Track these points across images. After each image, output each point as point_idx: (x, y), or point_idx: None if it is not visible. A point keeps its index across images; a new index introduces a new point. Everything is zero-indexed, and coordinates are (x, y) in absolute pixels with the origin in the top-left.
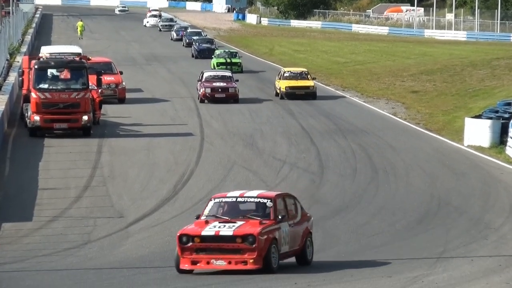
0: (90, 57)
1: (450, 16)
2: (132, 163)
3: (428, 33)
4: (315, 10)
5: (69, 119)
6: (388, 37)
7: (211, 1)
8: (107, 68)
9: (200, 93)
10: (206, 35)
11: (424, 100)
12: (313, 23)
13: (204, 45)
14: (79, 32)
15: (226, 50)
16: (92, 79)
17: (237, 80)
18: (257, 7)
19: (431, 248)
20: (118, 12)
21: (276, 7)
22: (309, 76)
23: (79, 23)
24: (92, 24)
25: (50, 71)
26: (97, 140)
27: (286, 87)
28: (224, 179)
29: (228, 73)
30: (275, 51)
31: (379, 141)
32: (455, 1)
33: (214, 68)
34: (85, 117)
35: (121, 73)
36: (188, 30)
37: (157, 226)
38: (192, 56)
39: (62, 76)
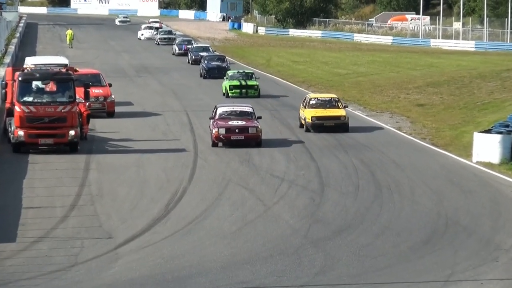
0: (77, 69)
1: (457, 25)
2: (122, 180)
3: (435, 43)
4: (315, 18)
5: (55, 134)
6: (392, 47)
7: (205, 10)
8: (95, 80)
9: (212, 134)
10: (215, 51)
11: (430, 114)
12: (313, 33)
13: (213, 63)
14: (68, 41)
15: (241, 71)
16: (80, 92)
17: (259, 117)
18: (254, 16)
19: (438, 270)
20: (118, 23)
21: (273, 16)
22: (340, 103)
23: (68, 32)
24: (79, 33)
25: (35, 84)
26: (84, 157)
27: (312, 117)
28: (219, 197)
29: (248, 108)
30: (272, 62)
31: (383, 157)
32: (463, 9)
33: (227, 92)
34: (72, 132)
35: (110, 85)
36: (194, 45)
37: (148, 247)
38: (200, 75)
39: (47, 89)
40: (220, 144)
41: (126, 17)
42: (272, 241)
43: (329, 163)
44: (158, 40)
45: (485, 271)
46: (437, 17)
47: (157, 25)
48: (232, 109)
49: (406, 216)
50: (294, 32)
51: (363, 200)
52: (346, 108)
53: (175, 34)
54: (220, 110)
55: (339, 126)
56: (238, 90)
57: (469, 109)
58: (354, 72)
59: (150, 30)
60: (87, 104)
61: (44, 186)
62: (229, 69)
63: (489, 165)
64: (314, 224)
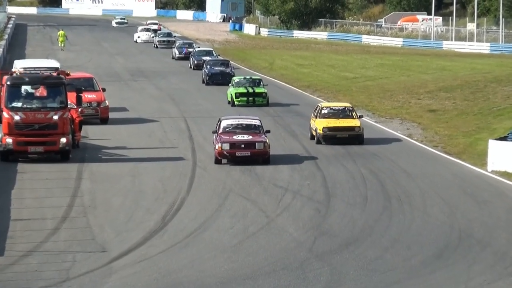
0: (69, 72)
1: (471, 26)
2: (116, 191)
3: (447, 45)
4: (320, 19)
5: (46, 142)
6: (402, 50)
7: (204, 10)
8: (88, 84)
9: (215, 149)
10: (219, 55)
11: (442, 120)
12: (319, 34)
13: (217, 68)
14: (59, 43)
15: (248, 77)
16: (71, 97)
17: (268, 131)
18: (256, 16)
19: (451, 286)
20: (115, 25)
21: (277, 16)
22: (354, 113)
23: (60, 33)
24: (71, 35)
25: (24, 88)
26: (76, 165)
27: (324, 128)
28: (219, 208)
29: (256, 121)
30: (275, 65)
31: (393, 166)
32: (477, 10)
33: (232, 100)
34: (63, 140)
35: (103, 90)
36: (196, 49)
37: (144, 261)
38: (203, 81)
39: (37, 94)
40: (224, 161)
41: (124, 19)
42: (275, 255)
43: (335, 173)
44: (157, 43)
45: (501, 286)
46: (450, 17)
47: (155, 27)
48: (237, 122)
49: (417, 229)
50: (298, 34)
51: (371, 211)
52: (361, 118)
53: (174, 36)
54: (224, 123)
55: (353, 137)
56: (245, 98)
57: (484, 115)
58: (362, 76)
59: (148, 33)
60: (80, 110)
61: (34, 197)
62: (234, 75)
63: (505, 174)
64: (320, 237)
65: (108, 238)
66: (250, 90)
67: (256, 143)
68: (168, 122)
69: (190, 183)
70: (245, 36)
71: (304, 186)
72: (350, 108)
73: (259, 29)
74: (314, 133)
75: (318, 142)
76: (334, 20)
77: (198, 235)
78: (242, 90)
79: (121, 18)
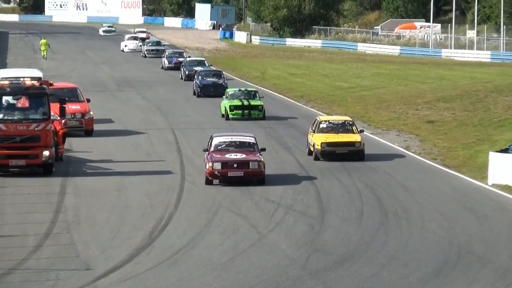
0: (52, 82)
1: (471, 34)
2: (101, 206)
3: (446, 53)
4: (314, 26)
5: (28, 155)
6: (399, 58)
7: (193, 17)
8: (72, 95)
9: (206, 169)
10: (211, 65)
11: (441, 132)
12: (312, 42)
13: (209, 79)
14: (42, 51)
15: (242, 89)
16: (55, 108)
17: (263, 150)
18: (247, 24)
19: None
20: (102, 33)
21: (269, 24)
22: (354, 127)
23: (42, 41)
24: (55, 43)
25: (5, 99)
26: (60, 180)
27: (322, 143)
28: (209, 224)
29: (250, 138)
30: (267, 75)
31: (389, 179)
32: (477, 17)
33: (227, 113)
34: (46, 153)
35: (88, 100)
36: (188, 59)
37: (130, 279)
38: (194, 93)
39: (19, 105)
40: (215, 181)
41: (111, 27)
42: (267, 272)
43: (330, 187)
44: (145, 52)
45: None
46: (449, 25)
47: (143, 35)
48: (230, 140)
49: (414, 245)
50: (291, 42)
51: (367, 227)
52: (362, 133)
53: (164, 45)
54: (216, 141)
55: (353, 153)
56: (240, 111)
57: (484, 126)
58: (358, 86)
59: (135, 41)
60: (63, 121)
61: (15, 213)
62: (227, 86)
63: (506, 188)
64: (314, 254)
65: (92, 255)
66: (246, 102)
67: (250, 162)
68: (156, 134)
69: (178, 198)
70: (236, 44)
71: (297, 201)
72: (350, 122)
73: (251, 37)
74: (311, 149)
75: (316, 159)
76: (328, 28)
77: (187, 252)
78: (236, 102)
79: (108, 26)
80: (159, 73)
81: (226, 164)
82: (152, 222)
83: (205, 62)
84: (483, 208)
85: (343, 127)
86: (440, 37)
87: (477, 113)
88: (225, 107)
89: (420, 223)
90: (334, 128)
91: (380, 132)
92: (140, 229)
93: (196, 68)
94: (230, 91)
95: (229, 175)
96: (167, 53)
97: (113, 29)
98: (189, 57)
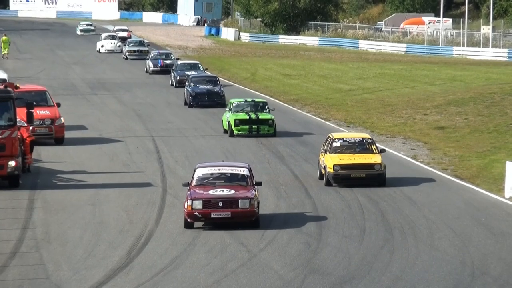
0: (18, 85)
1: (486, 30)
2: (73, 222)
3: (458, 51)
4: (310, 22)
5: None
6: (405, 57)
7: (175, 12)
8: (40, 98)
9: (184, 209)
10: (206, 69)
11: (452, 139)
12: (308, 39)
13: (202, 86)
14: (3, 50)
15: (249, 100)
16: (21, 113)
17: (258, 184)
18: (235, 19)
19: None
20: (80, 33)
21: (259, 19)
22: (373, 146)
23: (3, 38)
24: (21, 41)
25: None
26: (27, 193)
27: (335, 166)
28: (193, 242)
29: (242, 170)
30: (258, 76)
31: (395, 192)
32: (493, 10)
33: (231, 129)
34: (12, 163)
35: (58, 105)
36: (179, 62)
37: None
38: (185, 103)
39: None
40: (198, 223)
41: (90, 25)
42: None
43: (328, 200)
44: (126, 54)
45: None
46: (461, 19)
47: (124, 34)
48: (218, 172)
49: (422, 265)
50: (285, 39)
51: (370, 245)
52: (384, 153)
53: (148, 45)
54: (199, 173)
55: (372, 178)
56: (247, 127)
57: (501, 132)
58: (359, 88)
59: (113, 41)
60: (31, 128)
61: None
62: (223, 95)
63: None
64: (310, 275)
65: (64, 276)
66: (253, 116)
67: (240, 200)
68: (134, 142)
69: (159, 213)
70: (223, 41)
71: (292, 216)
72: (369, 140)
73: (239, 34)
74: (322, 171)
75: (328, 184)
76: (326, 23)
77: (169, 272)
78: (243, 116)
79: (87, 25)
80: (137, 74)
81: (209, 203)
82: (131, 239)
83: (199, 66)
84: (500, 224)
85: (361, 146)
86: (451, 34)
87: (493, 118)
88: (229, 121)
89: (428, 240)
90: (350, 147)
91: (384, 139)
92: (117, 247)
93: (189, 73)
94: (234, 102)
95: (212, 216)
96: (152, 55)
97: (92, 27)
98: (178, 59)
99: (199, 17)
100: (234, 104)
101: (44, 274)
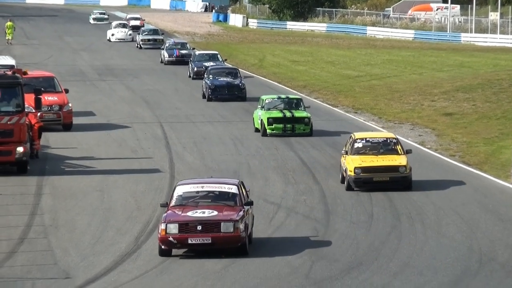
0: (26, 71)
1: (494, 16)
2: (81, 208)
3: (466, 38)
4: (318, 8)
5: (0, 152)
6: (413, 44)
7: None
8: (48, 84)
9: (158, 234)
10: (226, 60)
11: (460, 125)
12: (316, 26)
13: (222, 78)
14: (7, 35)
15: (283, 96)
16: (29, 100)
17: (249, 204)
18: (243, 5)
19: None
20: (93, 22)
21: (267, 5)
22: (398, 147)
23: (8, 24)
24: (28, 27)
25: None
26: (35, 179)
27: (356, 168)
28: None
29: (230, 187)
30: (266, 62)
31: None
32: None
33: (263, 128)
34: (20, 149)
35: (66, 91)
36: (197, 53)
37: None
38: (203, 96)
39: None
40: (176, 250)
41: (104, 13)
42: (266, 282)
43: (336, 186)
44: (140, 43)
45: None
46: (469, 6)
47: (137, 22)
48: (201, 189)
49: (430, 251)
50: (292, 26)
51: (377, 231)
52: (410, 154)
53: (162, 34)
54: (179, 191)
55: (396, 181)
56: (281, 125)
57: (508, 119)
58: (367, 74)
59: (124, 29)
60: (39, 114)
61: None
62: (244, 87)
63: None
64: (318, 261)
65: (72, 262)
66: (288, 114)
67: (222, 223)
68: (142, 129)
69: (167, 199)
70: (231, 28)
71: (300, 202)
72: (394, 140)
73: (247, 20)
74: (344, 174)
75: (349, 188)
76: (334, 10)
77: (177, 259)
78: (276, 114)
79: (100, 13)
80: (144, 60)
81: (186, 226)
82: (139, 225)
83: (218, 56)
84: (507, 210)
85: (385, 147)
86: (459, 20)
87: (501, 104)
88: (262, 119)
89: (436, 227)
90: (373, 147)
91: (392, 126)
92: (125, 233)
93: (207, 64)
94: (266, 99)
95: (190, 242)
96: (167, 45)
97: (106, 16)
98: (194, 48)
99: (207, 4)
100: (266, 101)
101: (52, 260)
